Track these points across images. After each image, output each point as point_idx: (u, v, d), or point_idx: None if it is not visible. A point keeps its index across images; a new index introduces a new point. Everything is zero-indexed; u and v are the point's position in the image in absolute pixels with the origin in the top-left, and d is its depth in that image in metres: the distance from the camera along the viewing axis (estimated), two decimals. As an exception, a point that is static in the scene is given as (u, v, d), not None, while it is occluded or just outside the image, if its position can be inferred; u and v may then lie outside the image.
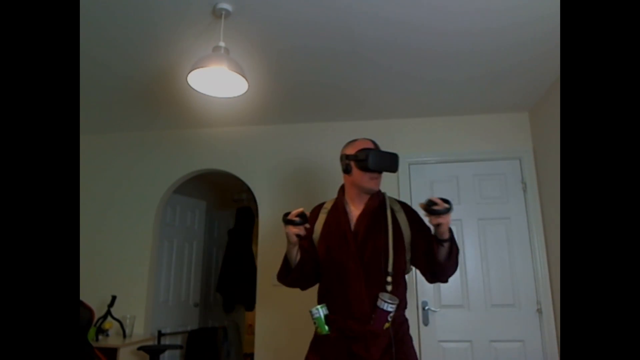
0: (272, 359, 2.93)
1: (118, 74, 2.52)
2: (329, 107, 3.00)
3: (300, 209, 1.58)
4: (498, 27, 2.07)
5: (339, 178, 3.12)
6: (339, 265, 1.62)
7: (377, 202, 1.69)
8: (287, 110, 3.06)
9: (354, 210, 1.69)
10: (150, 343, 3.08)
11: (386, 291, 1.54)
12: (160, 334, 3.40)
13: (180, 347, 3.16)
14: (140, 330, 3.09)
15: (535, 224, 2.88)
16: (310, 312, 1.64)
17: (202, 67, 1.82)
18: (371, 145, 1.67)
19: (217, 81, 2.05)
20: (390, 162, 1.61)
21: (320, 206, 1.82)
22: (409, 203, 3.01)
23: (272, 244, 3.12)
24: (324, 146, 3.24)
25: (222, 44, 1.91)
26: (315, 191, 3.16)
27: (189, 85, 2.17)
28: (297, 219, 1.56)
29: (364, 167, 1.60)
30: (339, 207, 1.71)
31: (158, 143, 3.45)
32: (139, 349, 2.88)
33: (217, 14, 1.93)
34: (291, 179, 3.21)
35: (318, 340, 1.66)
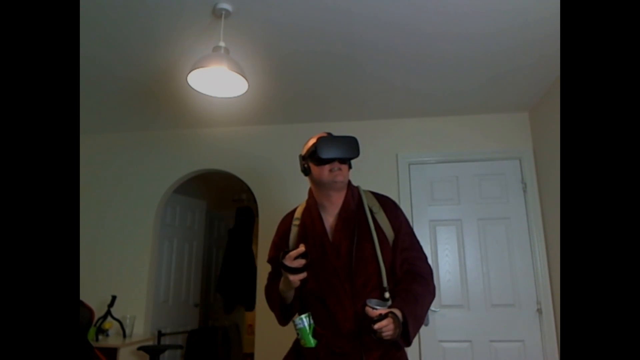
0: (272, 359, 2.93)
1: (118, 74, 2.52)
2: (328, 107, 3.00)
3: (301, 249, 1.32)
4: (498, 29, 2.07)
5: (339, 178, 3.13)
6: (322, 282, 1.43)
7: (353, 203, 1.49)
8: (287, 110, 3.06)
9: (329, 216, 1.50)
10: (150, 343, 3.08)
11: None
12: (160, 334, 3.40)
13: (180, 347, 3.16)
14: (140, 330, 3.09)
15: (535, 224, 2.88)
16: (294, 322, 1.46)
17: (202, 67, 1.82)
18: (324, 135, 1.50)
19: (217, 81, 2.05)
20: (345, 146, 1.43)
21: (290, 215, 1.60)
22: (408, 203, 3.03)
23: (272, 244, 3.12)
24: (324, 146, 3.23)
25: (222, 44, 1.91)
26: (315, 191, 3.16)
27: (189, 85, 2.18)
28: (299, 262, 1.32)
29: (318, 159, 1.43)
30: (313, 214, 1.50)
31: (158, 143, 3.45)
32: (139, 349, 2.88)
33: (217, 14, 1.93)
34: (291, 179, 3.21)
35: (300, 354, 1.46)
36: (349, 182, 1.53)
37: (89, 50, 2.27)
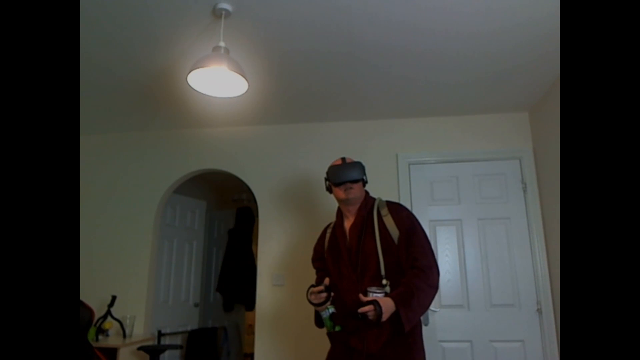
0: (272, 359, 2.93)
1: (118, 74, 2.52)
2: (328, 107, 3.00)
3: (321, 287, 1.74)
4: (498, 27, 2.07)
5: (339, 178, 3.14)
6: (338, 274, 1.83)
7: (365, 211, 1.86)
8: (287, 110, 3.06)
9: (348, 222, 1.89)
10: (150, 343, 3.08)
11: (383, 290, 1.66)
12: (160, 334, 3.40)
13: (180, 347, 3.16)
14: (140, 330, 3.09)
15: (535, 224, 2.88)
16: (320, 313, 1.80)
17: (202, 67, 1.82)
18: (339, 163, 1.90)
19: (217, 81, 2.05)
20: (350, 171, 1.83)
21: (328, 226, 2.06)
22: (408, 204, 3.02)
23: (272, 244, 3.12)
24: (324, 146, 3.24)
25: (222, 44, 1.91)
26: (314, 191, 3.16)
27: (189, 85, 2.18)
28: (320, 297, 1.74)
29: (332, 183, 1.86)
30: (337, 223, 1.93)
31: (158, 143, 3.45)
32: (139, 349, 2.88)
33: (217, 14, 1.93)
34: (291, 179, 3.21)
35: (329, 337, 1.84)
36: (367, 194, 1.92)
37: (88, 50, 2.27)
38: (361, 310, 1.54)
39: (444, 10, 1.94)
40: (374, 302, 1.54)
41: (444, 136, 3.13)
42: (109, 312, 2.97)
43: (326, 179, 1.93)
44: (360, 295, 1.59)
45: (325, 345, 2.86)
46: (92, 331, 2.81)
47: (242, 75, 1.89)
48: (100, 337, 2.89)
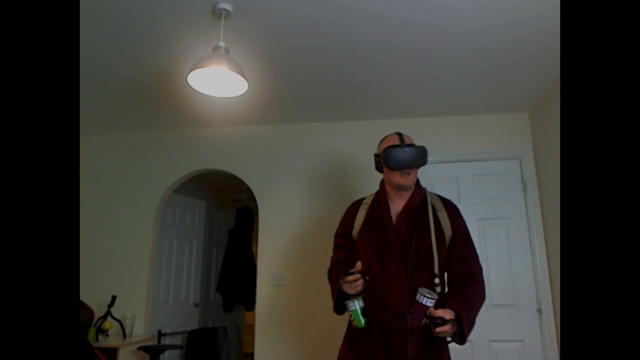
0: (272, 359, 2.93)
1: (118, 73, 2.52)
2: (329, 107, 3.00)
3: (357, 275, 1.49)
4: (498, 25, 2.07)
5: (339, 177, 3.14)
6: (380, 262, 1.59)
7: (419, 200, 1.67)
8: (288, 110, 3.06)
9: (396, 207, 1.68)
10: (150, 343, 3.08)
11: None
12: (160, 334, 3.40)
13: (180, 347, 3.16)
14: (140, 330, 3.09)
15: (535, 224, 2.88)
16: (346, 304, 1.56)
17: (202, 67, 1.82)
18: (396, 141, 1.66)
19: (217, 81, 2.05)
20: (414, 157, 1.60)
21: (360, 201, 1.81)
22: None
23: (272, 244, 3.12)
24: (324, 146, 3.24)
25: (222, 44, 1.91)
26: (315, 191, 3.16)
27: (189, 85, 2.18)
28: (357, 285, 1.50)
29: (388, 166, 1.62)
30: (381, 203, 1.69)
31: (158, 143, 3.45)
32: (139, 349, 2.88)
33: (217, 14, 1.93)
34: (291, 179, 3.21)
35: (353, 333, 1.64)
36: (418, 182, 1.72)
37: (89, 50, 2.27)
38: (440, 329, 1.37)
39: (444, 6, 1.94)
40: (454, 323, 1.39)
41: (444, 136, 3.13)
42: (109, 312, 2.97)
43: (379, 156, 1.68)
44: (431, 309, 1.42)
45: (326, 344, 2.86)
46: (92, 331, 2.81)
47: (242, 75, 1.89)
48: (100, 337, 2.89)
